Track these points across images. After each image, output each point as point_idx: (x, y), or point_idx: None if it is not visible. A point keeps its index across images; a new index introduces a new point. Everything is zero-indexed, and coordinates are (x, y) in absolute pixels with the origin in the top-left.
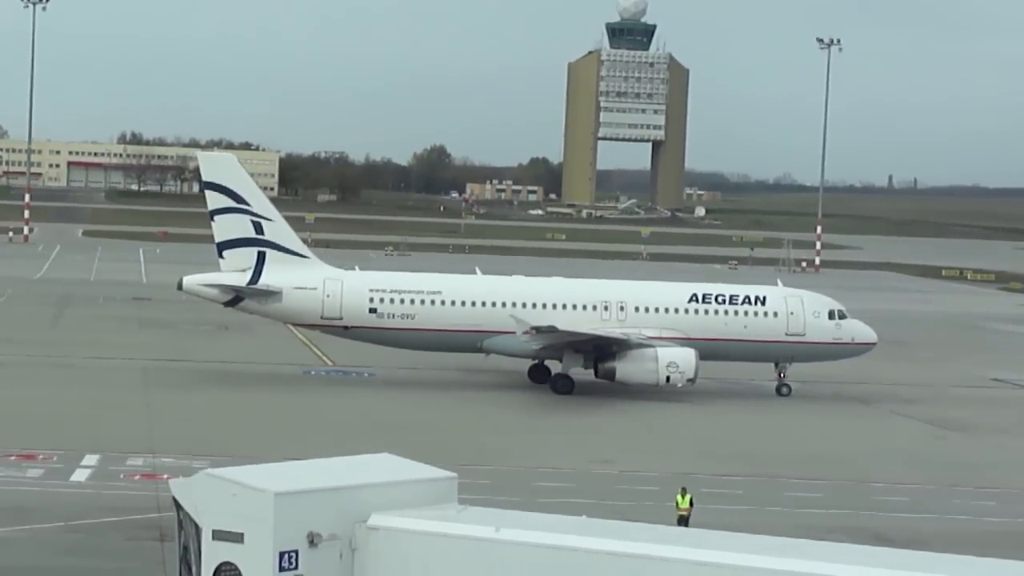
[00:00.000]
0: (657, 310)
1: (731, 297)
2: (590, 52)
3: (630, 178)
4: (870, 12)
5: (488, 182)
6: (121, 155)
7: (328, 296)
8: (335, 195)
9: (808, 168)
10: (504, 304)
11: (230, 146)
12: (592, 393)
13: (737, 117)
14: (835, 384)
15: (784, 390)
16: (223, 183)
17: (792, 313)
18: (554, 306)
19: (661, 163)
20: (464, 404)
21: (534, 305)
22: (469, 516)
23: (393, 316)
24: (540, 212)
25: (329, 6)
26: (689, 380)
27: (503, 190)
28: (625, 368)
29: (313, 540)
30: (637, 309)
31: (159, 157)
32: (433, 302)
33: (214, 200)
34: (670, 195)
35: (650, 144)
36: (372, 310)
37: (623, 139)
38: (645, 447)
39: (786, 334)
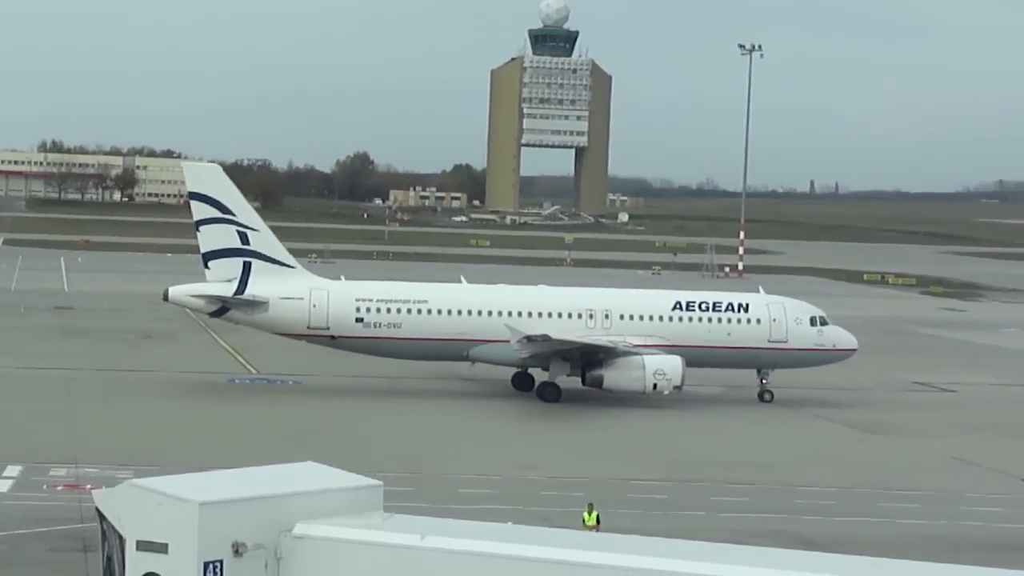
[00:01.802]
0: (642, 318)
1: (714, 304)
2: (513, 59)
3: (554, 184)
4: (792, 18)
5: (412, 189)
6: (42, 163)
7: (315, 306)
8: (258, 202)
9: (731, 174)
10: (490, 313)
11: (151, 153)
12: (523, 399)
13: (660, 123)
14: (768, 389)
15: (767, 396)
16: (208, 193)
17: (775, 320)
18: (540, 314)
19: (584, 169)
20: (389, 411)
21: (519, 314)
22: (394, 524)
23: (379, 325)
24: (464, 219)
25: (252, 13)
26: (676, 387)
27: (427, 197)
28: (613, 376)
29: (238, 550)
30: (622, 317)
31: (80, 165)
32: (420, 311)
33: (199, 210)
34: (593, 201)
35: (573, 150)
36: (359, 319)
37: (546, 145)
38: (570, 453)
39: (769, 341)
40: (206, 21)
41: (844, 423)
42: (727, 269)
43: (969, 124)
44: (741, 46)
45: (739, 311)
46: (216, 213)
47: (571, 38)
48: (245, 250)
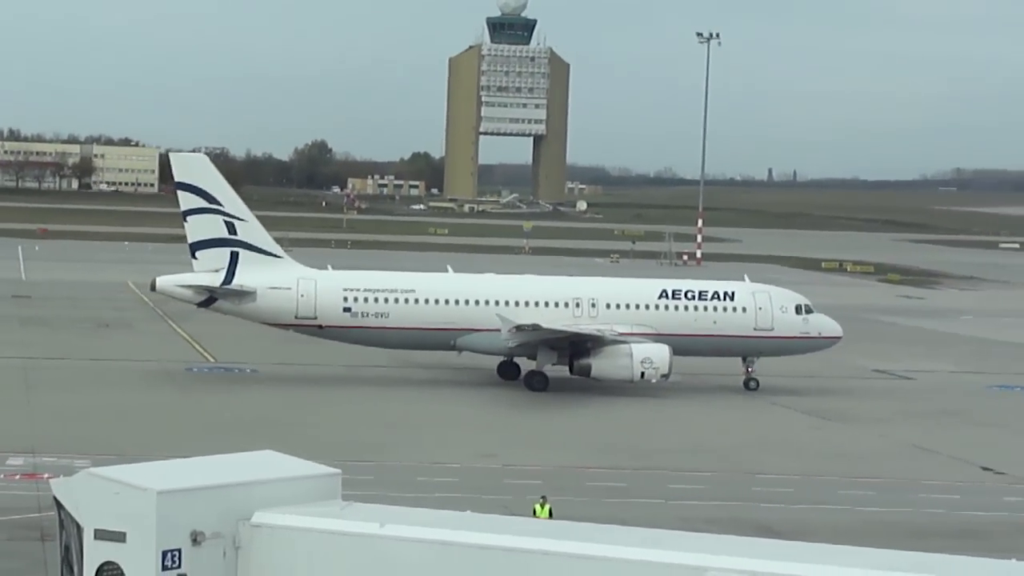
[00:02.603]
0: (628, 306)
1: (700, 293)
2: (471, 47)
3: (512, 172)
4: (750, 6)
5: (370, 177)
6: None
7: (302, 296)
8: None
9: (689, 162)
10: (477, 302)
11: (109, 142)
12: (481, 385)
13: (618, 111)
14: (718, 376)
15: (752, 384)
16: (195, 183)
17: (760, 308)
18: (527, 303)
19: (543, 157)
20: (348, 400)
21: (507, 303)
22: (353, 512)
23: (367, 315)
24: (422, 207)
25: (207, 2)
26: (663, 376)
27: (385, 185)
28: (600, 364)
29: (196, 539)
30: (608, 306)
31: (37, 154)
32: (407, 300)
33: (187, 200)
34: (552, 189)
35: (531, 138)
36: (346, 309)
37: (504, 134)
38: (530, 441)
39: (754, 329)
40: (165, 7)
41: (802, 410)
42: (685, 257)
43: (926, 112)
44: (699, 34)
45: (725, 299)
46: (203, 203)
47: (529, 26)
48: (232, 240)
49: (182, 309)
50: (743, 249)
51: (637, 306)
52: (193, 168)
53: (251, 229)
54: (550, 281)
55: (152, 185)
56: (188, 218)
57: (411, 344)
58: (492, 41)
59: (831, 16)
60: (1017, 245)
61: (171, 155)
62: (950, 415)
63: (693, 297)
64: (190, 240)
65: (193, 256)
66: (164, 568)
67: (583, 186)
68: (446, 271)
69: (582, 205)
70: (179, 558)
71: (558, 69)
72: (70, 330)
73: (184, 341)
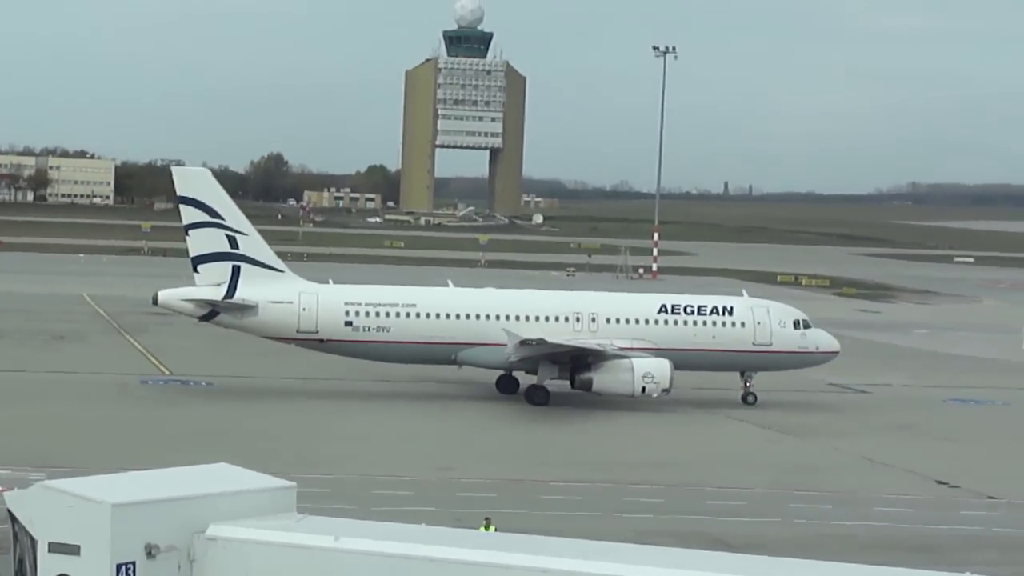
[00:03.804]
0: (628, 321)
1: (699, 308)
2: (427, 60)
3: (468, 185)
4: (706, 20)
5: (326, 190)
6: None
7: (304, 310)
8: (172, 203)
9: (645, 175)
10: (479, 316)
11: (64, 154)
12: (444, 399)
13: (575, 125)
14: (674, 390)
15: (750, 399)
16: (197, 197)
17: (759, 323)
18: (527, 318)
19: (499, 171)
20: (303, 412)
21: (507, 317)
22: (308, 525)
23: (369, 329)
24: (378, 220)
25: (166, 12)
26: (664, 390)
27: (341, 198)
28: (602, 379)
29: (151, 552)
30: (608, 320)
31: None
32: (408, 315)
33: (188, 214)
34: (508, 202)
35: (488, 152)
36: (348, 323)
37: (461, 147)
38: (488, 455)
39: (753, 344)
40: (122, 19)
41: (758, 424)
42: (641, 270)
43: (882, 126)
44: (655, 48)
45: (724, 314)
46: (205, 217)
47: (486, 39)
48: (234, 254)
49: (138, 321)
50: (699, 263)
51: (637, 321)
52: (195, 182)
53: (253, 243)
54: (551, 295)
55: (108, 197)
56: (190, 232)
57: (412, 358)
58: (449, 54)
59: (788, 31)
60: (972, 259)
61: (173, 169)
62: (905, 429)
63: (692, 312)
64: (192, 254)
65: (195, 270)
66: None
67: (539, 199)
68: (446, 285)
69: (538, 218)
70: (133, 571)
71: (514, 82)
72: (25, 343)
73: (139, 353)
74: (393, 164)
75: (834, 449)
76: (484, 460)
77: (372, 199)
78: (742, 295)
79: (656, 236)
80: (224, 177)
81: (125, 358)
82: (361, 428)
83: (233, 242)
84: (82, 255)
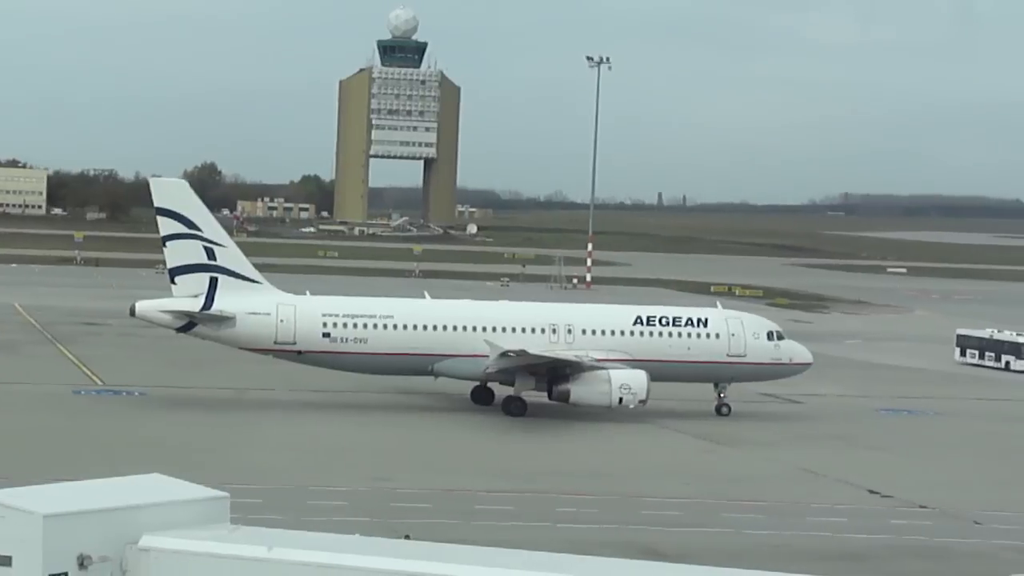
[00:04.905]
0: (604, 332)
1: (674, 319)
2: (361, 69)
3: (402, 195)
4: (640, 31)
5: (260, 200)
6: None
7: (282, 321)
8: (104, 213)
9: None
10: (455, 328)
11: None
12: (385, 409)
13: (509, 135)
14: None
15: (724, 410)
16: (175, 209)
17: (733, 334)
18: (504, 329)
19: (433, 180)
20: (236, 423)
21: (484, 328)
22: (241, 536)
23: (346, 340)
24: (312, 230)
25: (96, 21)
26: (641, 401)
27: (275, 208)
28: (579, 390)
29: (83, 562)
30: (584, 331)
31: None
32: (386, 326)
33: (166, 226)
34: (442, 212)
35: (422, 161)
36: (326, 335)
37: (395, 156)
38: (424, 465)
39: (727, 355)
40: (53, 26)
41: (692, 434)
42: (575, 280)
43: (815, 138)
44: (589, 58)
45: (698, 326)
46: (183, 228)
47: (420, 49)
48: (212, 265)
49: (70, 332)
50: (633, 273)
51: (612, 332)
52: (172, 194)
53: (230, 255)
54: (527, 307)
55: (40, 207)
56: (167, 243)
57: (389, 369)
58: (383, 64)
59: (722, 42)
60: (904, 270)
61: (151, 180)
62: (837, 438)
63: (667, 323)
64: (169, 265)
65: (172, 281)
66: None
67: (473, 209)
68: (423, 296)
69: (472, 228)
70: None
71: (449, 92)
72: None
73: (71, 364)
74: (327, 174)
75: (767, 459)
76: (420, 470)
77: (306, 209)
78: (716, 307)
79: (590, 246)
80: None
81: (58, 368)
82: (295, 438)
83: (211, 254)
84: (14, 264)
